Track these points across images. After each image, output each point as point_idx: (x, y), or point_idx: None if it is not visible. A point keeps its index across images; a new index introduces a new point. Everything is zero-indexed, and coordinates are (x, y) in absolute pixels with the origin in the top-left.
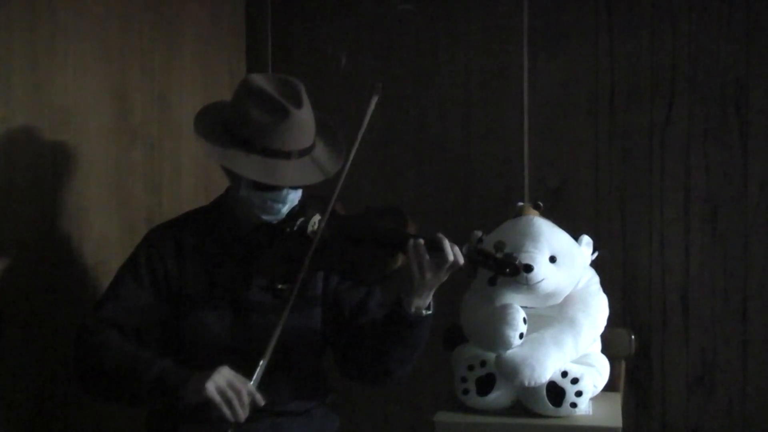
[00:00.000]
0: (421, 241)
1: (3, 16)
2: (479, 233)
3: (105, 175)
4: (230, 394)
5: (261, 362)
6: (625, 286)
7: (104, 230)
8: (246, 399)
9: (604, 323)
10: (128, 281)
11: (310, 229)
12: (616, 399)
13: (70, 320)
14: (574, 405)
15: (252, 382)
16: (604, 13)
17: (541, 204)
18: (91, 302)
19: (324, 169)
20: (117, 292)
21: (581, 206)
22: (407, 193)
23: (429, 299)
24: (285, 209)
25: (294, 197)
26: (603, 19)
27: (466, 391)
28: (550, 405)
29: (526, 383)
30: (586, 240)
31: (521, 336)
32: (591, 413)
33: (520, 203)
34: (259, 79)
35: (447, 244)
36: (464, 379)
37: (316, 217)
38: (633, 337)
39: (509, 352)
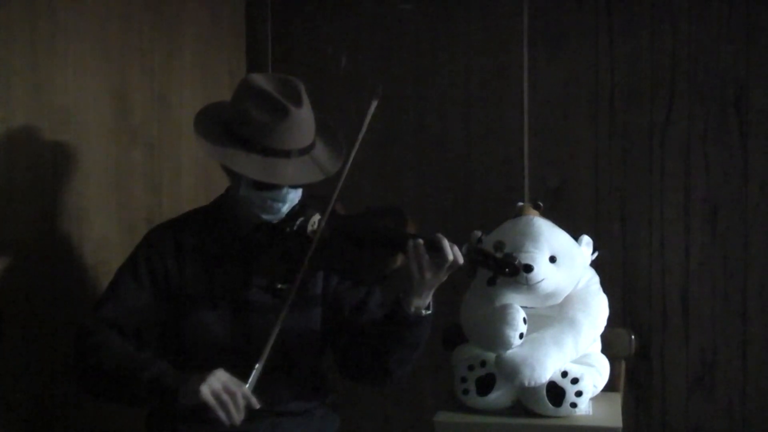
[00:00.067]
0: (421, 241)
1: (3, 16)
2: (479, 233)
3: (105, 175)
4: (225, 397)
5: (257, 365)
6: (625, 286)
7: (104, 230)
8: (241, 402)
9: (604, 323)
10: (128, 281)
11: (310, 228)
12: (616, 399)
13: (70, 320)
14: (574, 405)
15: (248, 385)
16: (604, 13)
17: (541, 204)
18: (91, 302)
19: (324, 168)
20: (116, 292)
21: (581, 206)
22: (407, 193)
23: (429, 299)
24: (285, 209)
25: (294, 197)
26: (603, 19)
27: (466, 391)
28: (550, 405)
29: (526, 383)
30: (586, 240)
31: (521, 336)
32: (591, 413)
33: (520, 203)
34: (258, 79)
35: (446, 243)
36: (464, 379)
37: (316, 217)
38: (633, 337)
39: (509, 352)
